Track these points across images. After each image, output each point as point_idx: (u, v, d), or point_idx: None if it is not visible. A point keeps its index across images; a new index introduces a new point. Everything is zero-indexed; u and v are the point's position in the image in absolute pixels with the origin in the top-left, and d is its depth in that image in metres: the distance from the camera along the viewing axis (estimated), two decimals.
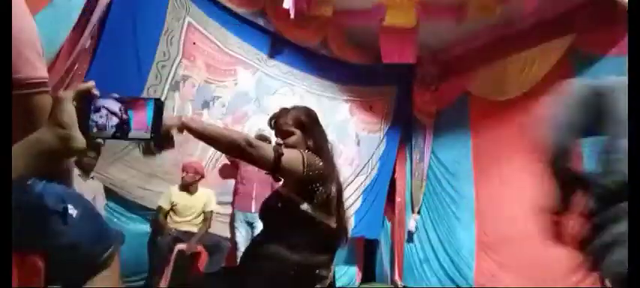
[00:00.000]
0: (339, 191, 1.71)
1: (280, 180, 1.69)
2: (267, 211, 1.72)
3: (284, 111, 1.76)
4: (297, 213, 1.60)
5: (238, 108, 4.91)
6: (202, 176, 4.30)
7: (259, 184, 4.34)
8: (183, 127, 1.42)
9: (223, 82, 4.91)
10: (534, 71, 5.12)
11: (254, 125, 4.92)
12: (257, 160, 1.55)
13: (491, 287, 5.04)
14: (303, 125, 1.72)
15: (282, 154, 1.54)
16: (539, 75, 5.05)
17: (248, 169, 4.48)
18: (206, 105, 4.79)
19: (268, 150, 1.54)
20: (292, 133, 1.70)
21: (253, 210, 4.31)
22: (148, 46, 4.38)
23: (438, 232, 5.83)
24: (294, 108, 1.78)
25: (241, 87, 4.99)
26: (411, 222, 6.08)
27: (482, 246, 5.33)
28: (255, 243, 1.68)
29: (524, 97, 5.17)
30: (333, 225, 1.66)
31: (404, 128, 6.38)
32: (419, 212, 6.08)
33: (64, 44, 3.61)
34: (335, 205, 1.68)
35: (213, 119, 4.79)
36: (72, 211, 0.92)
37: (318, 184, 1.60)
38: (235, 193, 4.58)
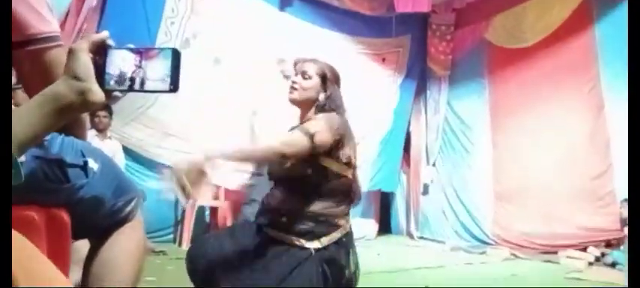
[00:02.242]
0: (354, 147, 1.70)
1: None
2: (282, 170, 1.66)
3: (312, 59, 1.74)
4: (320, 170, 1.60)
5: (250, 64, 4.85)
6: None
7: None
8: (208, 160, 1.33)
9: (233, 37, 4.83)
10: (554, 16, 4.93)
11: (266, 81, 4.87)
12: (297, 155, 1.54)
13: (506, 236, 5.08)
14: (324, 77, 1.70)
15: (311, 133, 1.52)
16: (559, 20, 4.88)
17: None
18: (217, 61, 4.74)
19: (299, 138, 1.51)
20: (311, 78, 1.69)
21: None
22: (156, 3, 4.31)
23: (453, 184, 5.84)
24: (324, 62, 1.76)
25: (252, 42, 4.91)
26: (427, 174, 6.08)
27: (499, 196, 5.33)
28: (271, 200, 1.69)
29: (543, 44, 5.03)
30: (350, 176, 1.66)
31: (418, 80, 6.27)
32: (434, 164, 6.07)
33: (72, 4, 3.57)
34: (354, 158, 1.68)
35: (224, 75, 4.75)
36: (92, 164, 0.92)
37: (343, 142, 1.61)
38: None
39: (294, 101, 1.71)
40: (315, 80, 1.69)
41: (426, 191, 6.12)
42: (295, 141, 1.52)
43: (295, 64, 1.76)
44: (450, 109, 6.04)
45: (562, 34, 4.87)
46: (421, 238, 5.91)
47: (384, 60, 6.03)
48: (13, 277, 0.44)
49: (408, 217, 6.24)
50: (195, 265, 1.58)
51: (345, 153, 1.61)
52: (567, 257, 4.25)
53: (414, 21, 6.01)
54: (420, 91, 6.31)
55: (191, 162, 1.29)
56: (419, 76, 6.26)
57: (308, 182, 1.59)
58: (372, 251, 4.58)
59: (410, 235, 6.05)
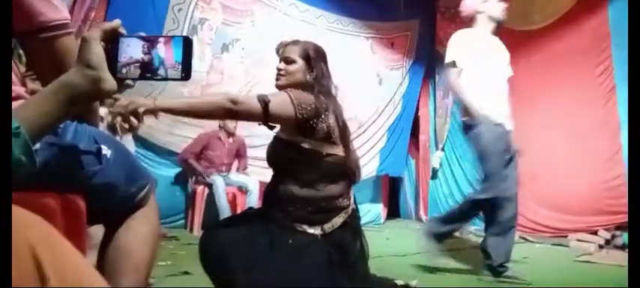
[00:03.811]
0: (342, 122, 1.69)
1: (273, 128, 1.67)
2: (272, 157, 1.73)
3: (294, 41, 1.75)
4: (302, 152, 1.61)
5: (258, 50, 4.84)
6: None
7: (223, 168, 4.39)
8: (156, 110, 1.38)
9: (240, 24, 4.82)
10: None
11: (274, 67, 4.85)
12: (245, 115, 1.57)
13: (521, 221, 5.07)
14: (308, 57, 1.69)
15: (269, 101, 1.53)
16: (570, 2, 4.78)
17: (211, 155, 4.33)
18: (225, 48, 4.73)
19: (253, 101, 1.52)
20: (294, 61, 1.69)
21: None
22: None
23: (463, 168, 5.81)
24: (306, 41, 1.76)
25: (259, 28, 4.89)
26: (435, 159, 6.06)
27: None
28: (270, 189, 1.71)
29: (554, 26, 4.95)
30: (341, 153, 1.66)
31: (427, 64, 6.22)
32: (443, 149, 6.05)
33: None
34: (339, 135, 1.66)
35: (232, 63, 4.75)
36: (105, 151, 0.93)
37: (315, 120, 1.59)
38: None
39: (281, 88, 1.70)
40: (300, 63, 1.69)
41: (434, 175, 6.10)
42: (246, 102, 1.54)
43: (278, 50, 1.76)
44: None
45: (573, 16, 4.78)
46: None
47: (392, 44, 5.99)
48: (42, 267, 0.45)
49: (417, 202, 6.25)
50: (208, 252, 1.61)
51: (319, 131, 1.60)
52: (577, 240, 4.24)
53: (423, 4, 5.94)
54: (429, 75, 6.26)
55: (136, 102, 1.31)
56: (427, 60, 6.21)
57: (297, 167, 1.60)
58: (381, 235, 4.60)
59: (419, 219, 6.06)
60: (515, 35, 5.33)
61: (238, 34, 4.79)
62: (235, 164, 4.55)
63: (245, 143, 4.52)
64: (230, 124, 4.33)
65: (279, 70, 1.71)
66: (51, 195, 0.85)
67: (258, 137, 4.66)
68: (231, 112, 1.51)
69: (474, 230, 5.13)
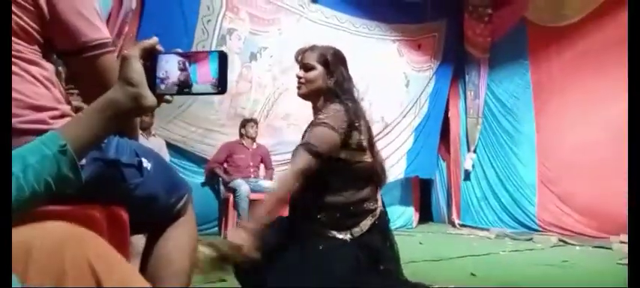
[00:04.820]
0: (368, 128, 1.68)
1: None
2: None
3: (313, 47, 1.72)
4: (333, 162, 1.59)
5: (285, 57, 4.89)
6: None
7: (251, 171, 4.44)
8: (250, 239, 1.38)
9: (267, 32, 4.88)
10: None
11: None
12: (309, 173, 1.54)
13: (554, 221, 4.94)
14: (327, 62, 1.67)
15: (316, 147, 1.51)
16: None
17: (236, 159, 4.42)
18: (253, 57, 4.81)
19: (307, 159, 1.51)
20: (314, 68, 1.67)
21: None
22: (192, 1, 4.40)
23: (496, 170, 5.70)
24: (324, 46, 1.73)
25: (286, 36, 4.94)
26: (468, 161, 5.95)
27: (544, 180, 5.17)
28: (297, 197, 1.71)
29: (586, 21, 4.81)
30: (369, 159, 1.64)
31: (456, 64, 6.14)
32: (475, 151, 5.94)
33: (113, 8, 3.70)
34: (368, 142, 1.65)
35: (261, 71, 4.82)
36: (146, 164, 0.96)
37: (350, 132, 1.59)
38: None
39: (303, 96, 1.70)
40: (319, 69, 1.66)
41: (467, 178, 6.00)
42: (302, 164, 1.51)
43: (296, 57, 1.74)
44: (490, 93, 5.88)
45: (604, 11, 4.64)
46: (463, 225, 5.81)
47: (419, 46, 5.94)
48: (100, 281, 0.47)
49: (449, 205, 6.15)
50: (241, 262, 1.62)
51: (353, 140, 1.59)
52: (620, 242, 4.07)
53: (450, 3, 5.87)
54: (458, 75, 6.17)
55: (229, 246, 1.34)
56: (456, 61, 6.13)
57: (325, 176, 1.60)
58: (413, 240, 4.54)
59: (451, 223, 5.97)
60: (546, 32, 5.22)
61: (266, 43, 4.86)
62: (263, 173, 4.60)
63: (269, 153, 4.58)
64: (251, 129, 4.43)
65: (299, 78, 1.69)
66: (97, 208, 0.89)
67: (284, 144, 4.73)
68: (300, 183, 1.51)
69: (511, 233, 5.02)
